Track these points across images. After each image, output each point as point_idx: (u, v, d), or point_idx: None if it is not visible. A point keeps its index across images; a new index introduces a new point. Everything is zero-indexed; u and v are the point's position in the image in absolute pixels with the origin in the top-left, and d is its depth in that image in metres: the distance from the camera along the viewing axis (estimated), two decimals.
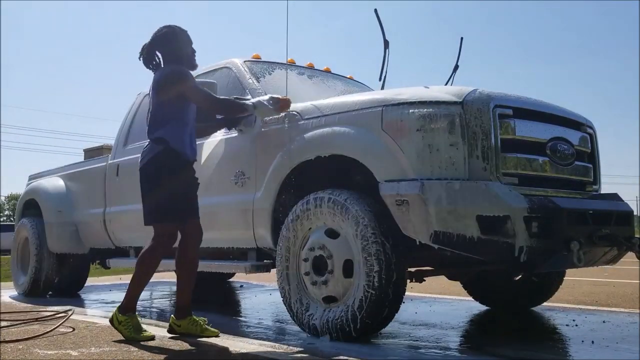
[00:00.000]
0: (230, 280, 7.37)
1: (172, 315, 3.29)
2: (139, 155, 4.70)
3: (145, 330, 3.14)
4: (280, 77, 3.92)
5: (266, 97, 3.24)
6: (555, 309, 4.33)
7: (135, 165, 4.76)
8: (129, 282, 3.23)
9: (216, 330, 3.21)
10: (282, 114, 3.33)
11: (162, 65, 3.25)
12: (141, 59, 3.27)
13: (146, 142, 4.69)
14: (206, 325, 3.23)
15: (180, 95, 3.12)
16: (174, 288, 6.88)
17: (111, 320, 3.18)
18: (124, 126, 5.19)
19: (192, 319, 3.22)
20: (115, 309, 3.18)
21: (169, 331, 3.24)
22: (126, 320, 3.10)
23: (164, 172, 3.10)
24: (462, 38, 4.03)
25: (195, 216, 3.26)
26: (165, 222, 3.15)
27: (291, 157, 3.27)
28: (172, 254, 3.33)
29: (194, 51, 3.31)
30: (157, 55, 3.25)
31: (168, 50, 3.22)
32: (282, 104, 3.21)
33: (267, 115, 3.31)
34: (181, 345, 2.99)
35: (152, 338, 3.07)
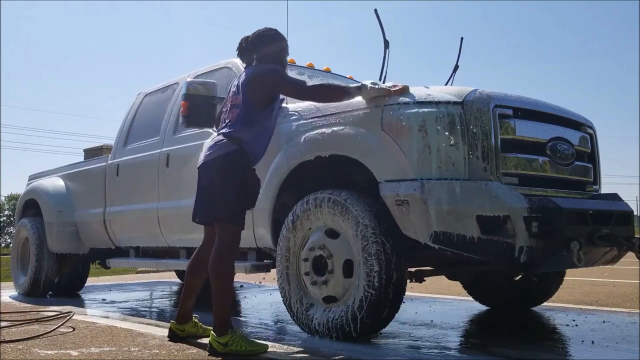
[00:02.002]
0: None
1: (172, 321, 3.20)
2: (138, 155, 4.78)
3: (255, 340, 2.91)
4: None
5: (369, 81, 3.03)
6: (555, 309, 4.33)
7: (134, 165, 4.81)
8: (213, 300, 2.89)
9: (210, 328, 3.21)
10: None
11: (255, 63, 3.17)
12: (237, 50, 3.22)
13: (145, 141, 4.74)
14: (204, 325, 3.22)
15: (269, 99, 3.06)
16: (175, 288, 6.92)
17: (212, 350, 2.80)
18: (124, 126, 5.20)
19: (193, 322, 3.20)
20: (210, 337, 2.86)
21: (170, 337, 3.14)
22: (232, 339, 2.78)
23: (236, 172, 2.95)
24: (462, 38, 4.03)
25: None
26: (232, 223, 2.95)
27: (291, 157, 3.27)
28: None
29: (287, 61, 3.28)
30: (253, 53, 3.18)
31: (265, 51, 3.16)
32: (394, 88, 2.95)
33: (373, 95, 2.95)
34: (181, 346, 2.99)
35: (267, 348, 2.84)
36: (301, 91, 3.09)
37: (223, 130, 3.05)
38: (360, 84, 2.99)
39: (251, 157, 3.05)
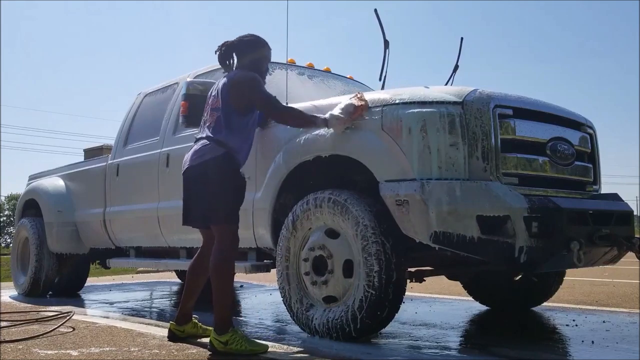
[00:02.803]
0: None
1: (171, 322, 3.20)
2: (138, 155, 4.78)
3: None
4: (280, 77, 3.92)
5: (341, 105, 2.99)
6: (555, 309, 4.33)
7: (134, 165, 4.81)
8: (214, 299, 2.88)
9: (211, 328, 3.20)
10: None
11: (235, 69, 3.15)
12: (217, 53, 3.17)
13: (145, 141, 4.74)
14: (204, 325, 3.21)
15: (250, 106, 3.03)
16: (174, 288, 6.92)
17: (212, 348, 2.82)
18: (124, 126, 5.20)
19: (193, 323, 3.20)
20: (210, 335, 2.88)
21: (170, 338, 3.14)
22: (232, 337, 2.79)
23: (229, 173, 2.95)
24: (462, 38, 4.02)
25: None
26: (232, 224, 2.97)
27: (291, 157, 3.27)
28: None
29: (267, 69, 3.24)
30: (233, 57, 3.15)
31: (246, 57, 3.12)
32: (356, 111, 2.94)
33: (341, 129, 2.99)
34: (181, 345, 2.99)
35: (267, 348, 2.84)
36: (272, 108, 3.02)
37: (207, 134, 3.02)
38: (327, 117, 2.98)
39: (237, 161, 3.03)
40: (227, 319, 2.84)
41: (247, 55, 3.13)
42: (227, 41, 3.17)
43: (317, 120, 3.02)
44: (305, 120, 3.08)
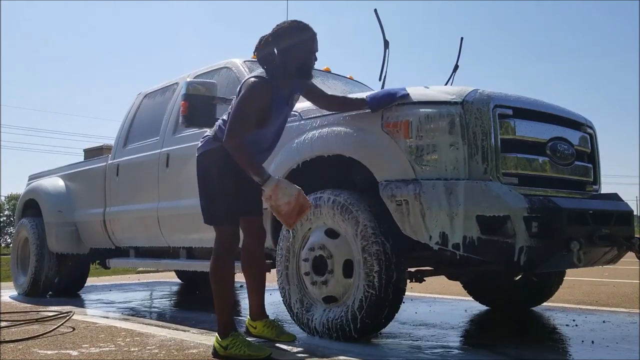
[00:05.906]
0: None
1: (248, 317, 3.21)
2: (138, 155, 4.78)
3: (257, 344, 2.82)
4: None
5: (291, 201, 2.68)
6: (555, 309, 4.33)
7: (134, 165, 4.81)
8: (215, 303, 2.84)
9: (292, 335, 3.08)
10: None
11: (275, 63, 2.84)
12: (256, 52, 2.87)
13: (145, 141, 4.74)
14: (283, 330, 3.14)
15: (259, 118, 2.78)
16: (174, 288, 6.92)
17: (214, 352, 2.76)
18: (124, 126, 5.20)
19: (267, 322, 3.13)
20: (214, 339, 2.82)
21: (246, 333, 3.14)
22: (232, 342, 2.72)
23: (216, 168, 2.82)
24: (462, 38, 4.03)
25: (251, 214, 3.03)
26: (219, 224, 2.87)
27: (291, 157, 3.27)
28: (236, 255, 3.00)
29: (314, 59, 2.89)
30: (273, 50, 2.83)
31: (284, 46, 2.81)
32: (295, 211, 2.69)
33: (266, 201, 2.73)
34: (180, 345, 2.99)
35: (269, 352, 2.72)
36: (229, 133, 2.71)
37: (214, 127, 2.93)
38: (270, 182, 2.66)
39: (228, 157, 2.78)
40: (227, 322, 2.80)
41: (283, 44, 2.82)
42: (263, 36, 2.86)
43: (258, 172, 2.69)
44: (247, 164, 2.71)
